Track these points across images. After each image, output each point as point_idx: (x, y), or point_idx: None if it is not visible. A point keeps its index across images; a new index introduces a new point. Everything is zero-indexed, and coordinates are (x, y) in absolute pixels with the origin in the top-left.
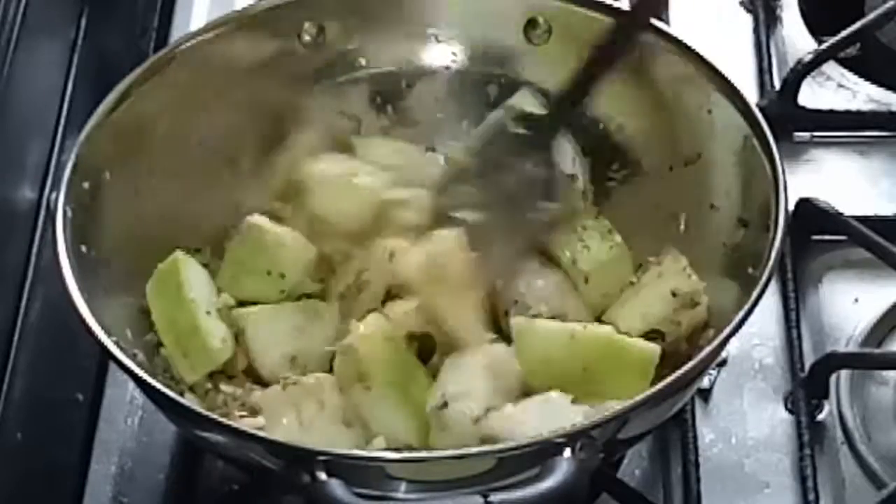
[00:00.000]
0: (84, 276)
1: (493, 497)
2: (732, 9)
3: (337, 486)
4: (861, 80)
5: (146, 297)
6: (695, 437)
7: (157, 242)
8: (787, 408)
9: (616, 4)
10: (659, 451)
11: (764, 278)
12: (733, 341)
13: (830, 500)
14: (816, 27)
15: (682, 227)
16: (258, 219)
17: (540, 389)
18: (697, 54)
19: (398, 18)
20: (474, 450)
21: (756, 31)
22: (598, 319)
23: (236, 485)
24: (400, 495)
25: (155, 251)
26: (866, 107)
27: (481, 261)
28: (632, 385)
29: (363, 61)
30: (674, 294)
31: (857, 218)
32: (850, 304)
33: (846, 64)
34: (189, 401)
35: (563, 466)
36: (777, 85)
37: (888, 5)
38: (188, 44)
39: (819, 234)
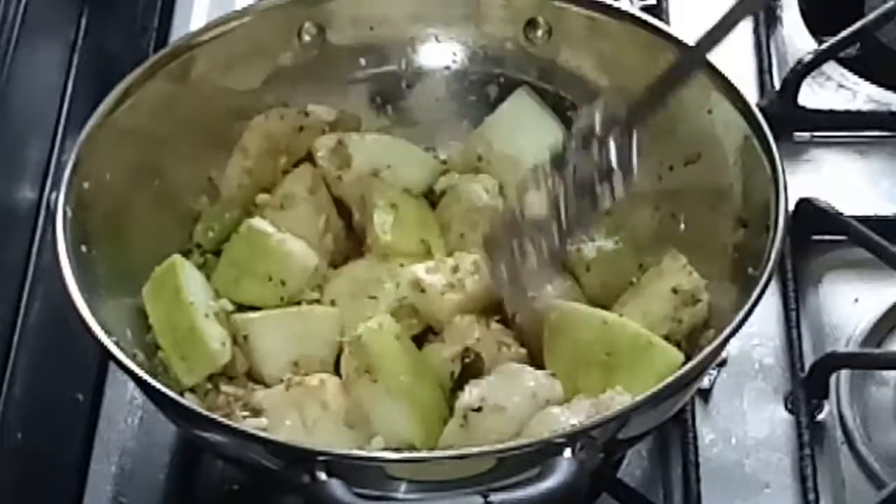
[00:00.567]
0: (84, 276)
1: (494, 497)
2: None
3: (337, 486)
4: (861, 80)
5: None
6: (695, 437)
7: (157, 242)
8: (787, 408)
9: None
10: (659, 451)
11: (764, 278)
12: (733, 341)
13: (830, 500)
14: (816, 27)
15: (682, 227)
16: (260, 222)
17: (559, 369)
18: None
19: (398, 19)
20: (474, 450)
21: (756, 31)
22: None
23: (236, 485)
24: (400, 495)
25: (155, 251)
26: (866, 107)
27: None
28: (646, 383)
29: (363, 61)
30: (675, 291)
31: (857, 218)
32: (850, 304)
33: (846, 64)
34: (189, 401)
35: (564, 466)
36: (777, 85)
37: (888, 5)
38: (188, 44)
39: (819, 234)
